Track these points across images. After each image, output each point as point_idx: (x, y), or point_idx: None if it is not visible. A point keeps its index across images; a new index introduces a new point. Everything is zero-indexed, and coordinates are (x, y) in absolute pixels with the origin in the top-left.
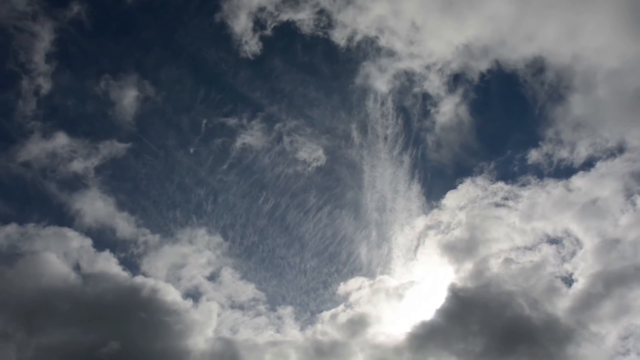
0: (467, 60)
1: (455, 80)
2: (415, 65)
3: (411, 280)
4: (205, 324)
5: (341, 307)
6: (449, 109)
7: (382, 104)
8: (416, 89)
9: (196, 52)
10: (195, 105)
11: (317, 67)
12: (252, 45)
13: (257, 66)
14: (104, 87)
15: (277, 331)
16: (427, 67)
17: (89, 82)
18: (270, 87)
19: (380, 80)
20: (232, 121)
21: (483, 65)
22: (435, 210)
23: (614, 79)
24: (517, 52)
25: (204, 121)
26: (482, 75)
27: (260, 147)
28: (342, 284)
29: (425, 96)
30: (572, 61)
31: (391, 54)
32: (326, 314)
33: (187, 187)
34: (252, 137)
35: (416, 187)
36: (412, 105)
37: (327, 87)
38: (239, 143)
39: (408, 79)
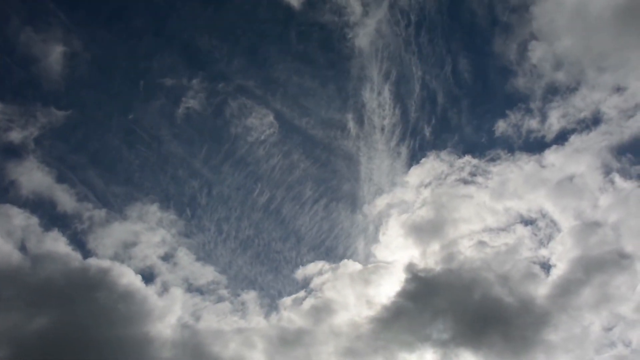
0: None
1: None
2: None
3: (374, 263)
4: (167, 310)
5: (302, 292)
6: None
7: (379, 93)
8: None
9: None
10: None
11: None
12: None
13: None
14: (26, 40)
15: (242, 317)
16: None
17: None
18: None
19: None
20: (171, 81)
21: None
22: (398, 188)
23: None
24: None
25: (142, 82)
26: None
27: (201, 109)
28: (301, 267)
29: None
30: None
31: None
32: (288, 300)
33: (133, 158)
34: (194, 100)
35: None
36: (331, 23)
37: (322, 76)
38: (182, 108)
39: None
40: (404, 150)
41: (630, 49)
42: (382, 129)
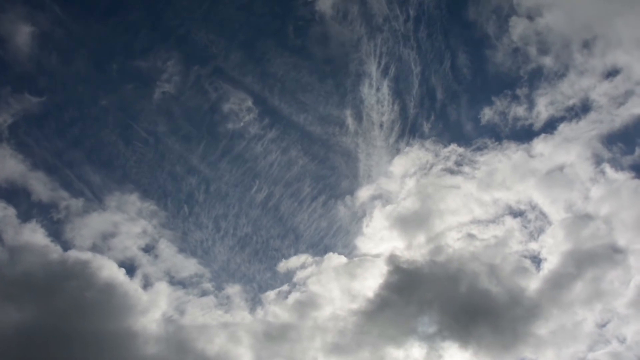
0: None
1: None
2: None
3: (359, 257)
4: (150, 303)
5: (286, 286)
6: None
7: (378, 89)
8: None
9: None
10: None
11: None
12: None
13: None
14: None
15: (227, 312)
16: None
17: None
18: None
19: None
20: (145, 64)
21: None
22: (382, 179)
23: None
24: None
25: (114, 66)
26: None
27: (178, 90)
28: (283, 261)
29: None
30: None
31: None
32: (272, 294)
33: (113, 147)
34: (169, 84)
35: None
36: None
37: (320, 72)
38: (157, 93)
39: None
40: (403, 147)
41: (615, 16)
42: (381, 125)
